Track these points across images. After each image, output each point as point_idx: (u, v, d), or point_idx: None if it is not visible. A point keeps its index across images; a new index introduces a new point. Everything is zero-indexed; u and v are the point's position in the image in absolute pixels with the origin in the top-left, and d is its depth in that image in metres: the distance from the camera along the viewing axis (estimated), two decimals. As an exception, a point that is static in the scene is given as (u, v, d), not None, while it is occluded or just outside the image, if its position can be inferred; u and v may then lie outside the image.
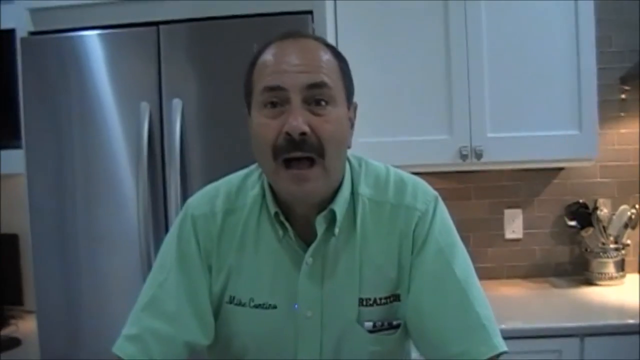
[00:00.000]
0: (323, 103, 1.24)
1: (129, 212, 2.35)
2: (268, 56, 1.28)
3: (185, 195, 2.27)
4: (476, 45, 2.72)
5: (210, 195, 1.42)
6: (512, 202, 3.15)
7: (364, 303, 1.33)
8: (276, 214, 1.32)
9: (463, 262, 1.35)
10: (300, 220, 1.33)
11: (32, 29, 2.45)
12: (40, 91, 2.40)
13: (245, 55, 2.21)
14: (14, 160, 2.58)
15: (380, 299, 1.34)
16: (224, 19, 2.32)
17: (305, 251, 1.33)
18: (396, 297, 1.35)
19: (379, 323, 1.34)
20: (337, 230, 1.32)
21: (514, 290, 2.94)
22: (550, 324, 2.45)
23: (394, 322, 1.35)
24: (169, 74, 2.33)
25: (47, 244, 2.43)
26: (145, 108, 2.31)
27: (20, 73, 2.42)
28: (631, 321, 2.41)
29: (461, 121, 2.73)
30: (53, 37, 2.40)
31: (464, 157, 2.71)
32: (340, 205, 1.32)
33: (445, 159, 2.72)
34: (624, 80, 3.05)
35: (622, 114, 3.09)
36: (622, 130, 3.10)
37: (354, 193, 1.36)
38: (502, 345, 1.28)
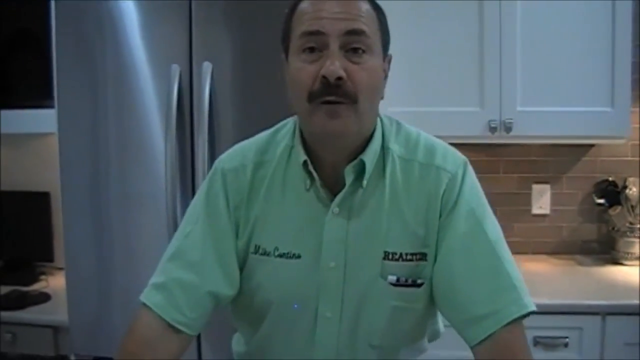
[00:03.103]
0: (360, 51, 1.25)
1: (158, 173, 2.37)
2: (307, 3, 1.28)
3: (213, 158, 2.27)
4: (510, 18, 2.69)
5: (240, 151, 1.44)
6: (540, 177, 3.13)
7: (390, 257, 1.33)
8: (305, 162, 1.34)
9: (493, 223, 1.36)
10: (328, 169, 1.35)
11: (66, -9, 2.47)
12: (73, 53, 2.42)
13: (276, 20, 2.23)
14: (46, 119, 2.62)
15: (407, 254, 1.34)
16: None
17: (331, 201, 1.34)
18: (423, 256, 1.34)
19: (403, 279, 1.34)
20: (365, 182, 1.33)
21: (539, 266, 2.93)
22: (573, 300, 2.44)
23: (419, 281, 1.35)
24: (199, 38, 2.33)
25: (77, 202, 2.47)
26: (175, 70, 2.32)
27: (54, 35, 2.44)
28: (656, 302, 2.40)
29: (492, 94, 2.71)
30: (86, 1, 2.40)
31: (492, 129, 2.69)
32: (370, 157, 1.33)
33: (475, 132, 2.71)
34: (658, 58, 2.99)
35: (655, 93, 3.04)
36: (655, 109, 3.05)
37: (384, 148, 1.37)
38: (532, 305, 1.29)
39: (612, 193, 3.00)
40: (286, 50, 1.33)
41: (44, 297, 2.76)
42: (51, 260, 3.11)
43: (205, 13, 2.33)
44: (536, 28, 2.70)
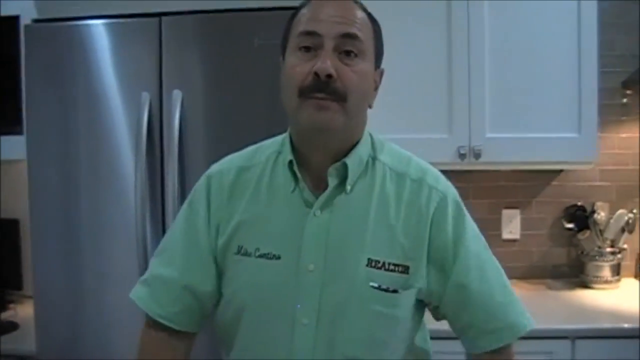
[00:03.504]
0: (353, 55, 1.32)
1: (128, 200, 2.36)
2: (307, 8, 1.37)
3: (183, 185, 2.29)
4: (478, 45, 2.72)
5: (229, 158, 1.53)
6: (510, 202, 3.16)
7: (373, 264, 1.36)
8: (290, 162, 1.39)
9: (487, 245, 1.48)
10: (314, 171, 1.39)
11: (35, 16, 2.46)
12: (42, 78, 2.41)
13: (246, 49, 2.27)
14: (16, 146, 2.60)
15: (389, 264, 1.37)
16: (225, 11, 2.33)
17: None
18: (405, 269, 1.37)
19: (384, 287, 1.36)
20: (348, 187, 1.38)
21: (509, 291, 2.93)
22: (542, 325, 2.44)
23: (400, 290, 1.38)
24: (169, 65, 2.34)
25: (46, 229, 2.45)
26: (145, 98, 2.32)
27: (23, 60, 2.43)
28: (625, 325, 2.43)
29: (461, 120, 2.73)
30: (56, 25, 2.40)
31: (462, 156, 2.72)
32: (354, 161, 1.38)
33: (444, 158, 2.72)
34: (625, 84, 3.04)
35: (623, 118, 3.09)
36: (623, 135, 3.10)
37: (374, 159, 1.43)
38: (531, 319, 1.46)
39: (581, 217, 3.03)
40: (284, 51, 1.40)
41: (11, 326, 2.71)
42: (20, 288, 3.06)
43: (175, 41, 2.34)
44: (504, 55, 2.73)
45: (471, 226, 1.45)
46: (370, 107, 1.42)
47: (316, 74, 1.28)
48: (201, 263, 1.44)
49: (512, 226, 3.15)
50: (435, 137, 2.74)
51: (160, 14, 2.35)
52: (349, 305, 1.36)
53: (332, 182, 1.37)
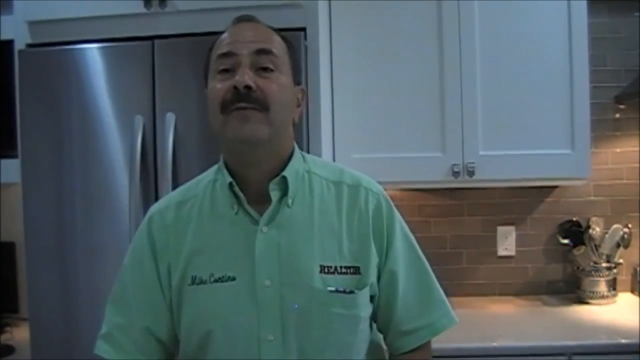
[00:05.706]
0: (269, 70, 1.38)
1: (122, 223, 2.36)
2: (224, 35, 1.44)
3: (176, 208, 2.29)
4: (469, 63, 2.74)
5: (166, 197, 1.58)
6: (505, 219, 3.16)
7: (326, 270, 1.40)
8: (230, 183, 1.41)
9: (417, 246, 1.55)
10: (253, 190, 1.42)
11: (30, 41, 2.48)
12: (37, 102, 2.43)
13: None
14: (11, 169, 2.60)
15: (342, 267, 1.42)
16: (216, 34, 2.33)
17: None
18: (356, 270, 1.43)
19: (341, 289, 1.40)
20: (290, 201, 1.42)
21: (505, 308, 2.94)
22: (539, 342, 2.45)
23: (355, 291, 1.42)
24: (162, 89, 2.35)
25: (41, 252, 2.45)
26: (139, 121, 2.33)
27: (18, 83, 2.44)
28: (622, 340, 2.42)
29: (453, 139, 2.74)
30: (50, 49, 2.42)
31: (456, 174, 2.72)
32: (291, 174, 1.43)
33: (438, 176, 2.73)
34: (618, 99, 3.06)
35: (617, 133, 3.11)
36: (617, 150, 3.11)
37: (309, 172, 1.48)
38: (456, 318, 1.54)
39: (576, 233, 3.03)
40: (206, 81, 1.46)
41: (7, 350, 2.70)
42: (16, 311, 3.06)
43: (168, 64, 2.36)
44: (496, 73, 2.74)
45: (400, 224, 1.52)
46: (294, 123, 1.46)
47: (235, 87, 1.33)
48: (154, 305, 1.45)
49: (507, 243, 3.15)
50: (428, 155, 2.74)
51: (152, 37, 2.37)
52: (311, 314, 1.39)
53: (275, 196, 1.41)
